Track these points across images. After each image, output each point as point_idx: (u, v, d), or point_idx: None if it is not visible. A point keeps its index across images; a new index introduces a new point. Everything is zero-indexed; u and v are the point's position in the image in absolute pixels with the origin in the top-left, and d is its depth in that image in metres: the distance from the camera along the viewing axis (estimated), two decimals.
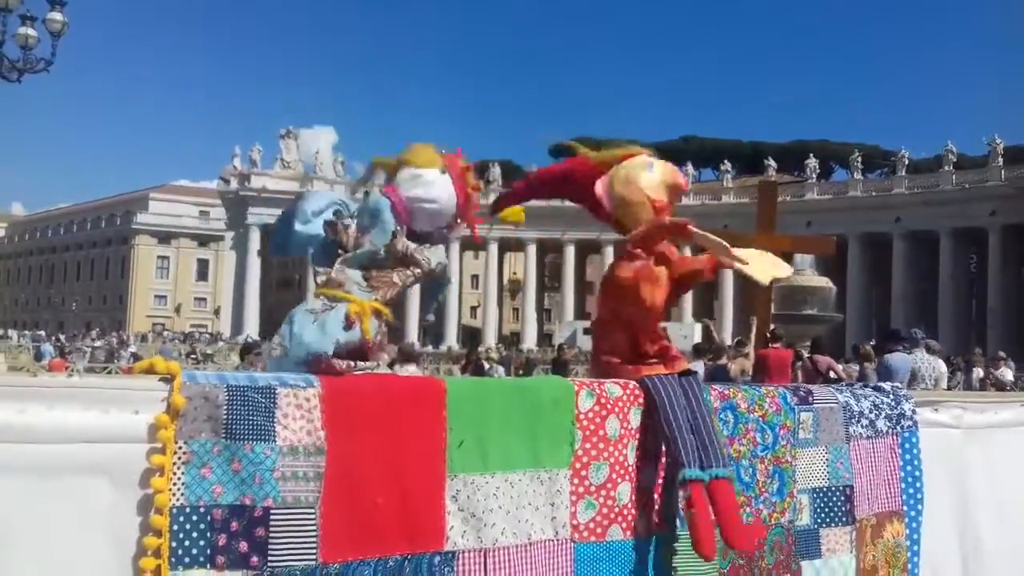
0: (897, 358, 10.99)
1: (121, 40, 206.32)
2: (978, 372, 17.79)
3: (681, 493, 2.53)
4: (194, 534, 1.93)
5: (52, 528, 1.84)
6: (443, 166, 2.73)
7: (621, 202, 2.84)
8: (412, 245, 2.64)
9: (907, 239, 59.04)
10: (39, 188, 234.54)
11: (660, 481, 2.63)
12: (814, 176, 64.44)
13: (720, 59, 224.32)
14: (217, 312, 79.81)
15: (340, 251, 2.60)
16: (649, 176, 2.83)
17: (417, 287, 2.77)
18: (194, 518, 1.94)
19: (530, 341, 66.62)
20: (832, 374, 13.40)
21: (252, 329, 59.11)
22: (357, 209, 2.69)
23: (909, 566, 3.10)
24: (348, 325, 2.41)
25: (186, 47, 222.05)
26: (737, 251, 2.79)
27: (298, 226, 2.66)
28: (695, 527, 2.46)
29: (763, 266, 2.95)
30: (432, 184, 2.70)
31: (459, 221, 2.84)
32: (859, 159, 63.16)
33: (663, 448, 2.61)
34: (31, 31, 15.64)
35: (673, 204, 2.88)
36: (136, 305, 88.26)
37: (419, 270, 2.64)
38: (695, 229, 2.70)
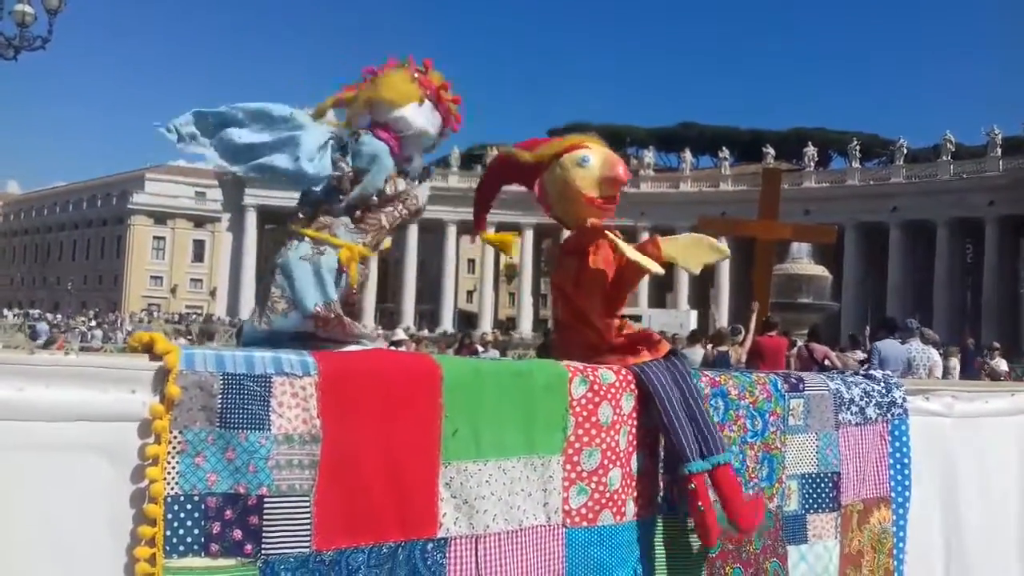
0: (888, 345, 11.01)
1: (118, 18, 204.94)
2: (953, 362, 17.36)
3: (686, 485, 2.55)
4: (188, 522, 1.94)
5: (50, 506, 1.85)
6: (421, 96, 2.65)
7: (557, 201, 2.75)
8: (402, 184, 2.60)
9: (904, 228, 59.04)
10: (35, 167, 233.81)
11: (650, 466, 2.65)
12: (812, 164, 64.37)
13: (719, 46, 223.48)
14: (213, 293, 79.70)
15: (339, 196, 2.53)
16: (583, 172, 2.66)
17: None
18: (188, 506, 1.95)
19: (526, 326, 66.64)
20: (828, 363, 13.45)
21: (247, 311, 58.97)
22: (351, 151, 2.59)
23: (895, 551, 3.15)
24: (341, 271, 2.39)
25: (184, 27, 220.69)
26: (668, 241, 2.69)
27: (309, 168, 2.46)
28: (702, 521, 2.53)
29: (696, 253, 2.71)
30: (416, 118, 2.63)
31: (442, 135, 2.78)
32: (857, 148, 63.07)
33: (654, 434, 2.64)
34: (28, 8, 15.55)
35: (612, 196, 2.71)
36: (131, 285, 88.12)
37: (406, 211, 2.59)
38: (611, 235, 2.61)
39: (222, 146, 2.41)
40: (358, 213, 2.54)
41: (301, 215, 2.52)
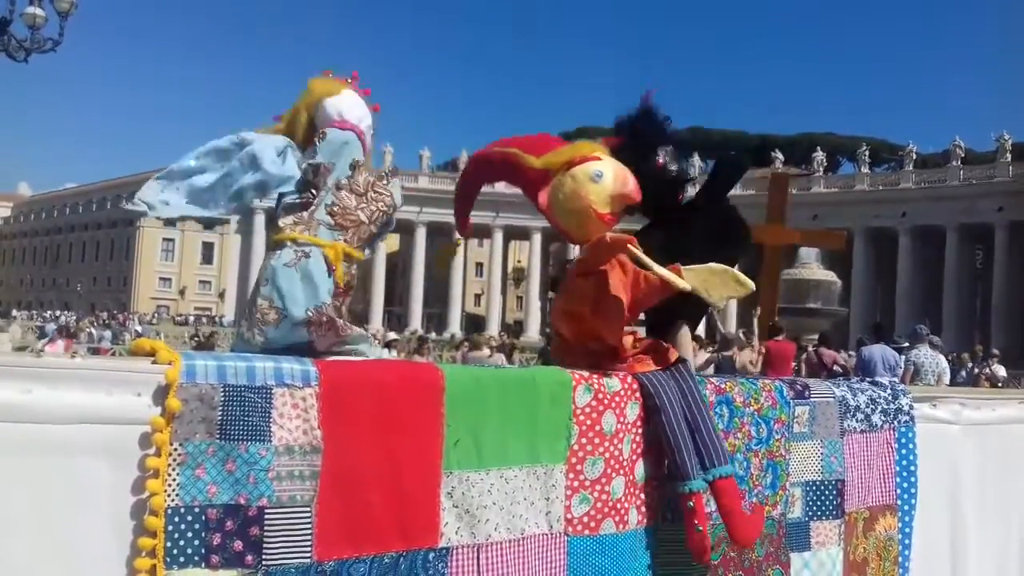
0: (871, 349, 11.63)
1: (129, 22, 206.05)
2: (970, 366, 17.58)
3: (684, 503, 2.51)
4: (189, 534, 1.94)
5: (54, 512, 1.86)
6: (346, 85, 2.66)
7: (565, 214, 2.63)
8: (372, 179, 2.55)
9: (913, 234, 58.84)
10: (46, 168, 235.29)
11: (654, 475, 2.63)
12: (821, 169, 64.20)
13: (727, 50, 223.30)
14: (222, 295, 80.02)
15: (311, 192, 2.47)
16: (597, 187, 2.57)
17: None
18: (189, 518, 1.95)
19: (533, 330, 66.59)
20: (837, 368, 13.45)
21: None
22: (319, 150, 2.55)
23: (900, 559, 3.13)
24: (329, 271, 2.35)
25: (194, 30, 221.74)
26: (689, 270, 2.57)
27: (273, 169, 2.44)
28: (698, 542, 2.48)
29: (718, 284, 2.62)
30: (354, 102, 2.64)
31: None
32: (866, 153, 62.93)
33: (658, 442, 2.61)
34: (39, 11, 15.65)
35: (620, 214, 2.64)
36: (140, 287, 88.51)
37: (383, 204, 2.54)
38: (636, 250, 2.53)
39: (193, 198, 2.44)
40: (337, 208, 2.47)
41: (280, 223, 2.46)
